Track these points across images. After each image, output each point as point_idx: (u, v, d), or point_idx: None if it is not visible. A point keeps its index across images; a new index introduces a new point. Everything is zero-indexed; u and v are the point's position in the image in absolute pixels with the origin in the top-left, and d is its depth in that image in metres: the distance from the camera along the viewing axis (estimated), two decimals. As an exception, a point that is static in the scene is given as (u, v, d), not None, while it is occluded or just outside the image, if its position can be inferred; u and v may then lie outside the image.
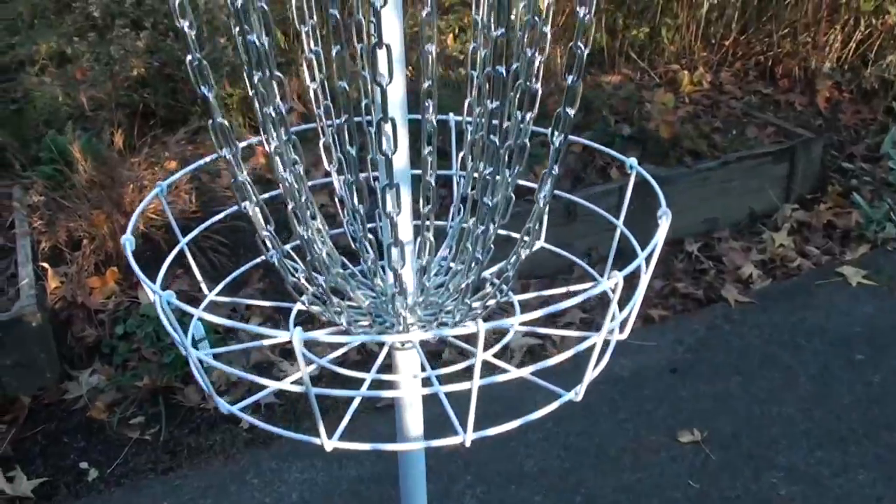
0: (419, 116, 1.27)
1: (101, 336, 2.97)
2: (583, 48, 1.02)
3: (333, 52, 1.18)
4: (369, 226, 1.32)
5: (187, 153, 3.48)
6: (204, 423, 2.77)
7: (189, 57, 1.04)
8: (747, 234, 3.81)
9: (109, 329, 2.98)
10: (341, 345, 1.42)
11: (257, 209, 1.25)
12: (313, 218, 1.35)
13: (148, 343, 2.90)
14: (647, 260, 1.18)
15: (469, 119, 1.35)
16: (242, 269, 1.69)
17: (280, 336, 1.03)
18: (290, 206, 1.25)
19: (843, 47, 4.58)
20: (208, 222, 1.56)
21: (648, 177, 1.40)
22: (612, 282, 1.09)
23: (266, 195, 1.25)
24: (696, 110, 4.26)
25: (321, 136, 1.33)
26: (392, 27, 1.14)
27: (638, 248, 1.28)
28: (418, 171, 1.26)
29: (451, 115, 1.61)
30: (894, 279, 3.46)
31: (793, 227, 3.81)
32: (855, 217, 3.82)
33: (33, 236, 3.17)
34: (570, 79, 1.03)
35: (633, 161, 1.43)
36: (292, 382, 1.18)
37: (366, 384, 1.32)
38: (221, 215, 1.64)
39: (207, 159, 1.45)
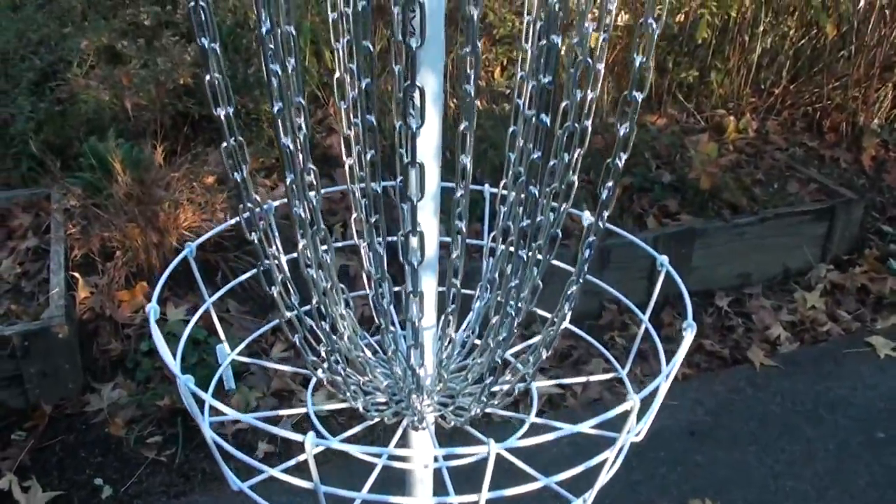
0: (452, 185, 1.25)
1: (126, 350, 3.00)
2: (637, 98, 1.02)
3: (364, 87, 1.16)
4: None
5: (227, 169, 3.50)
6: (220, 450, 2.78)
7: (207, 77, 1.05)
8: (779, 292, 3.77)
9: (135, 344, 3.01)
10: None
11: (281, 288, 1.26)
12: (336, 304, 1.35)
13: (171, 362, 2.92)
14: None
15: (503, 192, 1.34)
16: (263, 329, 1.70)
17: (295, 437, 1.05)
18: (313, 300, 1.26)
19: (892, 105, 4.52)
20: (228, 287, 1.58)
21: (678, 280, 1.39)
22: (628, 404, 1.09)
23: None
24: (738, 159, 4.22)
25: (351, 197, 1.32)
26: (429, 68, 1.13)
27: (662, 358, 1.28)
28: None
29: (487, 186, 1.61)
30: (924, 353, 3.42)
31: (826, 288, 3.77)
32: (890, 284, 3.78)
33: (67, 242, 3.20)
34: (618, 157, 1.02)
35: (664, 259, 1.42)
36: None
37: (377, 468, 1.32)
38: (243, 277, 1.65)
39: (233, 221, 1.45)
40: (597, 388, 3.12)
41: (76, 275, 3.08)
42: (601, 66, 1.06)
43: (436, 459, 1.36)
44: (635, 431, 1.21)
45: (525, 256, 1.15)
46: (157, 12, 3.85)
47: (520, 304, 1.20)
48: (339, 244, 1.41)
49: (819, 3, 4.18)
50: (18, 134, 3.54)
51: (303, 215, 1.23)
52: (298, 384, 2.96)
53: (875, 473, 2.83)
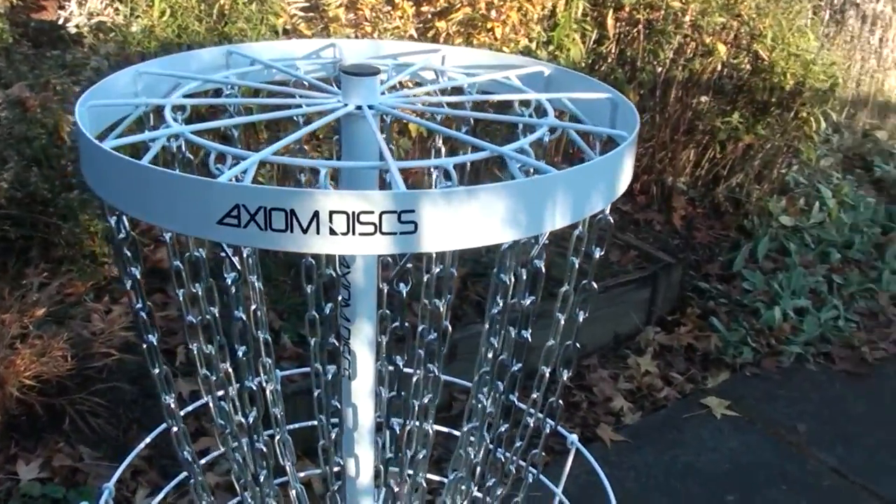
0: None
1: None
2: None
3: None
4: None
5: (53, 292, 3.33)
6: None
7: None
8: (613, 359, 3.91)
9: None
10: None
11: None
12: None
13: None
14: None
15: None
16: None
17: None
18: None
19: (695, 165, 4.78)
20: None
21: (590, 458, 1.44)
22: None
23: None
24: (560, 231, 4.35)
25: None
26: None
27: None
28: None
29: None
30: (754, 409, 3.62)
31: (655, 350, 3.94)
32: (714, 340, 3.98)
33: None
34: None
35: (573, 438, 1.46)
36: None
37: None
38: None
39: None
40: None
41: None
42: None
43: None
44: None
45: None
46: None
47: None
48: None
49: (622, 76, 4.38)
50: None
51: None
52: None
53: (731, 541, 2.97)
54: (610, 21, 4.43)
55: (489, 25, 3.87)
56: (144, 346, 1.17)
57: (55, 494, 2.71)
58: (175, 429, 1.23)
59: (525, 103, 1.35)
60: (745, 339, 3.98)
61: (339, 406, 1.19)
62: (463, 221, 0.89)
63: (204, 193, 0.87)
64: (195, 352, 1.18)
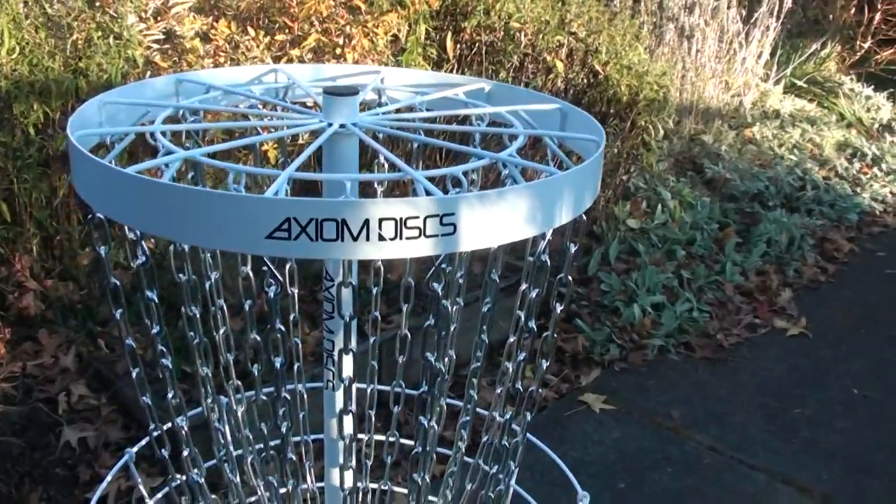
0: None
1: None
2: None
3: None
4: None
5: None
6: None
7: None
8: (488, 367, 3.98)
9: None
10: None
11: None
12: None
13: None
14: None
15: None
16: None
17: None
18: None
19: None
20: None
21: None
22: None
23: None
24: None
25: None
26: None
27: None
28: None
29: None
30: (629, 401, 3.78)
31: (527, 355, 4.05)
32: (581, 341, 4.14)
33: None
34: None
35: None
36: None
37: None
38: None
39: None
40: None
41: None
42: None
43: None
44: None
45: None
46: None
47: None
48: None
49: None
50: None
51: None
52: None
53: (630, 524, 3.10)
54: (449, 43, 4.57)
55: (338, 52, 3.93)
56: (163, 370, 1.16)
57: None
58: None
59: (480, 117, 1.44)
60: (609, 336, 4.16)
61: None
62: (493, 221, 0.94)
63: (254, 210, 0.89)
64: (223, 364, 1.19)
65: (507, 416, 1.28)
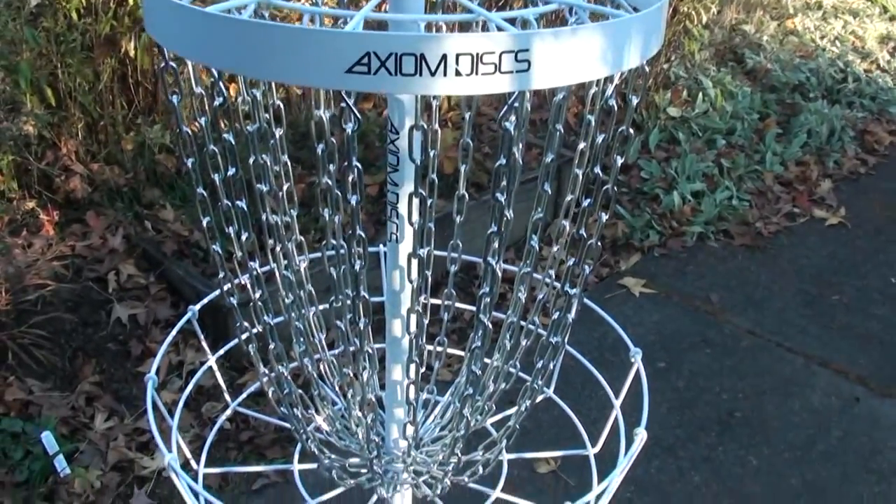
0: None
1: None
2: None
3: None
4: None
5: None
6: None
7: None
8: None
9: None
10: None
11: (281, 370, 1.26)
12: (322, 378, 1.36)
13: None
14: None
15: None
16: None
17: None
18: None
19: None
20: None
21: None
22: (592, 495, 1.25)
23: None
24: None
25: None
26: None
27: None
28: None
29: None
30: (668, 285, 3.81)
31: (567, 241, 4.08)
32: (621, 227, 4.16)
33: None
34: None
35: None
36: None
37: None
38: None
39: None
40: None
41: None
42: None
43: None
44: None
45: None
46: None
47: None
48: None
49: None
50: None
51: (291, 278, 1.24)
52: (136, 451, 2.79)
53: (669, 399, 3.16)
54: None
55: None
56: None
57: (13, 428, 2.67)
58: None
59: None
60: (649, 223, 4.17)
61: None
62: (567, 59, 0.95)
63: (335, 44, 0.90)
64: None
65: (570, 262, 1.27)
